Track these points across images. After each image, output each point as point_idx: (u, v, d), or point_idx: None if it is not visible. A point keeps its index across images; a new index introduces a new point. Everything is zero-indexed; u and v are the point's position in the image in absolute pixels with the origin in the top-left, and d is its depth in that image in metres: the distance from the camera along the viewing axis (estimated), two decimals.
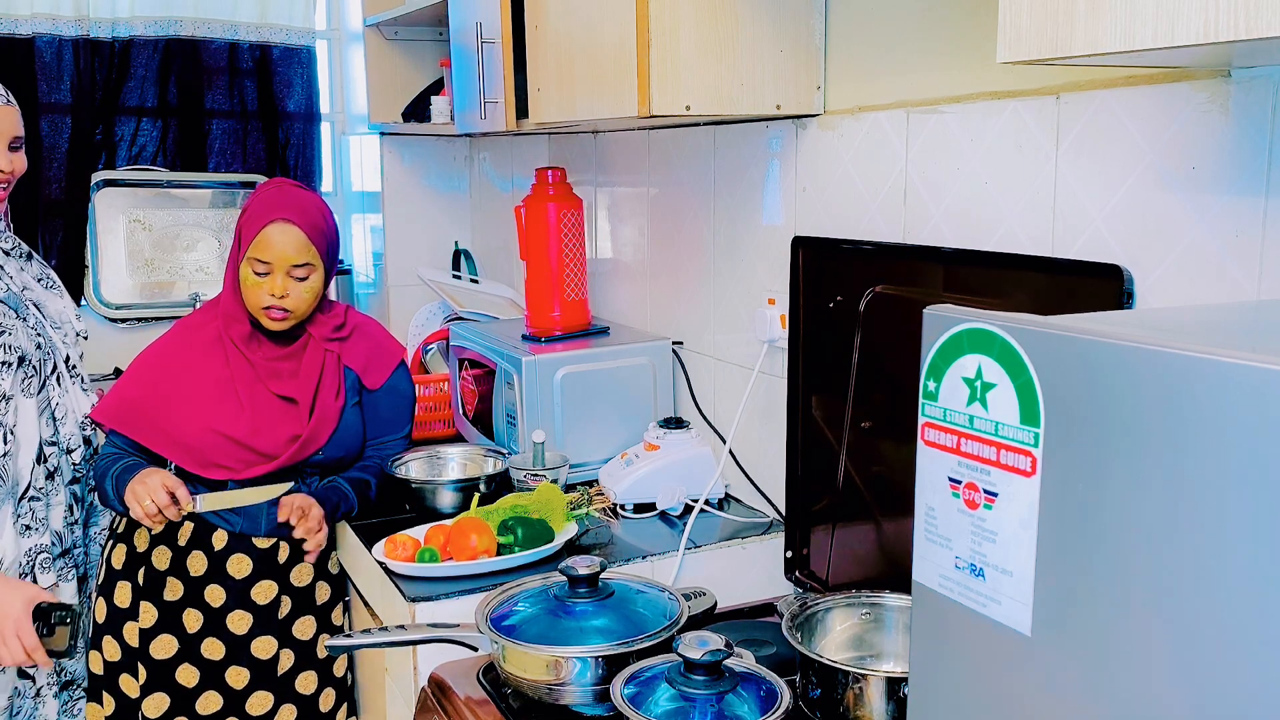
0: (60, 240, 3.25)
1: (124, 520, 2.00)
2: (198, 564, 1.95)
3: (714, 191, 2.13)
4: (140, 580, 1.96)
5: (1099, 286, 1.28)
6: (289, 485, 1.97)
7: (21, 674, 1.98)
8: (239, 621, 1.96)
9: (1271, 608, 0.62)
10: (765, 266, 1.99)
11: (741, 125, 2.02)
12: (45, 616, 1.79)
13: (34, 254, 2.11)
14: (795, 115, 1.82)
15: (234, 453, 1.95)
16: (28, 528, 1.92)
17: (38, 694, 2.02)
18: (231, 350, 1.99)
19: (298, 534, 1.91)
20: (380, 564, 1.82)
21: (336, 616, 2.08)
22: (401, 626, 1.61)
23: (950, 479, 0.84)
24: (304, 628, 2.02)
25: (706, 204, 2.16)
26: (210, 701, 1.95)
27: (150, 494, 1.85)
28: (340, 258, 3.02)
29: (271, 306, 1.93)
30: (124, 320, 3.34)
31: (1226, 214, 1.17)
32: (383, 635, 1.59)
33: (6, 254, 2.01)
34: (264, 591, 1.97)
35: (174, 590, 1.95)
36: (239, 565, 1.96)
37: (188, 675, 1.94)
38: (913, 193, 1.62)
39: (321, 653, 2.03)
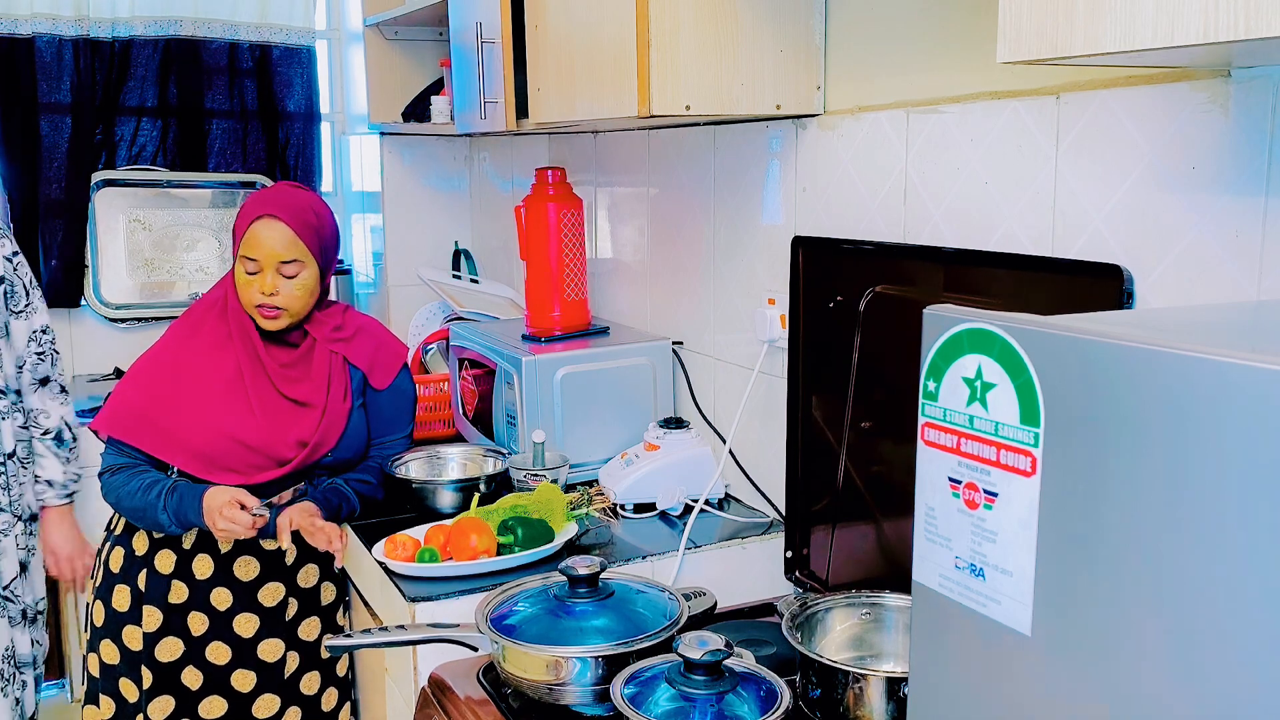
0: (60, 240, 3.25)
1: (121, 523, 1.98)
2: (204, 567, 1.94)
3: (714, 191, 2.13)
4: (141, 584, 1.94)
5: (1099, 286, 1.28)
6: (301, 485, 1.95)
7: None
8: (245, 624, 1.95)
9: (1271, 607, 0.62)
10: (765, 266, 1.99)
11: (741, 125, 2.02)
12: None
13: None
14: (795, 115, 1.82)
15: (244, 457, 1.92)
16: None
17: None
18: (242, 351, 1.95)
19: (321, 548, 1.87)
20: (380, 564, 1.82)
21: (340, 617, 2.08)
22: (401, 626, 1.61)
23: (950, 479, 0.84)
24: (309, 629, 2.02)
25: (706, 204, 2.16)
26: (215, 705, 1.94)
27: (235, 521, 1.81)
28: (340, 257, 3.02)
29: (263, 305, 1.91)
30: (124, 320, 3.34)
31: (1226, 214, 1.17)
32: (383, 635, 1.59)
33: None
34: (271, 593, 1.97)
35: (179, 593, 1.93)
36: (246, 568, 1.95)
37: (192, 678, 1.93)
38: (912, 193, 1.62)
39: (324, 654, 2.02)
